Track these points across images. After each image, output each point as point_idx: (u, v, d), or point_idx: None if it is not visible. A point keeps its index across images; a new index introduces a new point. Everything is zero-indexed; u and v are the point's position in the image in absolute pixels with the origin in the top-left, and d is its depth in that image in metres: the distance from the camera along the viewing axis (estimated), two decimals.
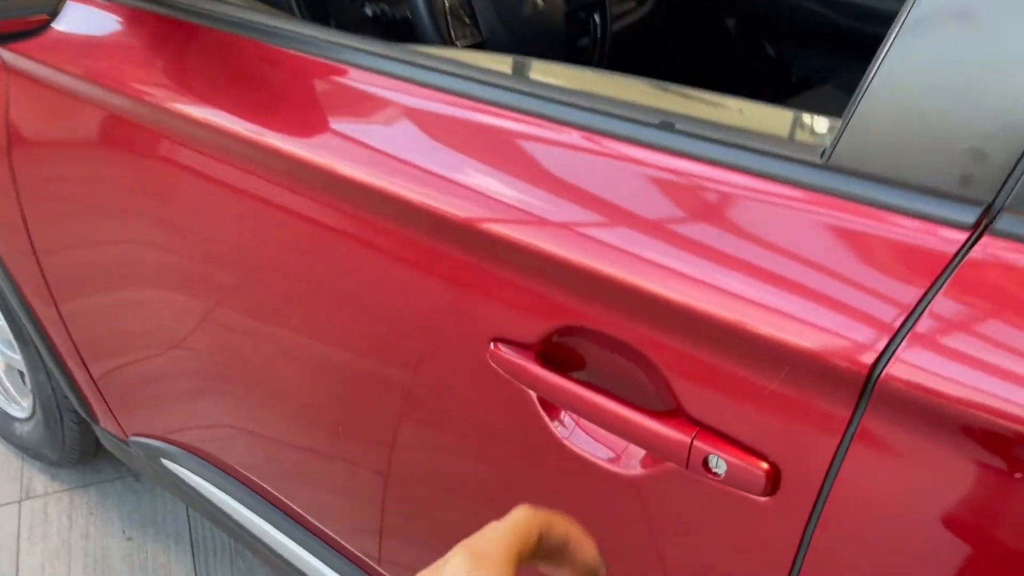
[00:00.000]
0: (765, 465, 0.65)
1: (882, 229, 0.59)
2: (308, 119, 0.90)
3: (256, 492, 1.33)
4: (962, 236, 0.56)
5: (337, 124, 0.87)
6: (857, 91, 0.60)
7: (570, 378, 0.75)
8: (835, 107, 0.69)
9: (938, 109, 0.56)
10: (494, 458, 0.89)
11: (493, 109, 0.78)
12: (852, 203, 0.60)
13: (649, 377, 0.71)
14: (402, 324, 0.89)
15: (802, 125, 0.63)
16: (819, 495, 0.63)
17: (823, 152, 0.62)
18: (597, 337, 0.72)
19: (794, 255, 0.61)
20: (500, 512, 0.41)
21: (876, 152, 0.59)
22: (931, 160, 0.57)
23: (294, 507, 1.28)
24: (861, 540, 0.63)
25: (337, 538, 1.23)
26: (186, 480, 1.43)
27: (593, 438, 0.76)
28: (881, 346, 0.57)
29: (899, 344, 0.56)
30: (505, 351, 0.78)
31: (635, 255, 0.67)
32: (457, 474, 0.96)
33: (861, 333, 0.58)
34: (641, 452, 0.73)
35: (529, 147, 0.76)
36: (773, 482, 0.65)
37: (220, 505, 1.38)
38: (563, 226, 0.71)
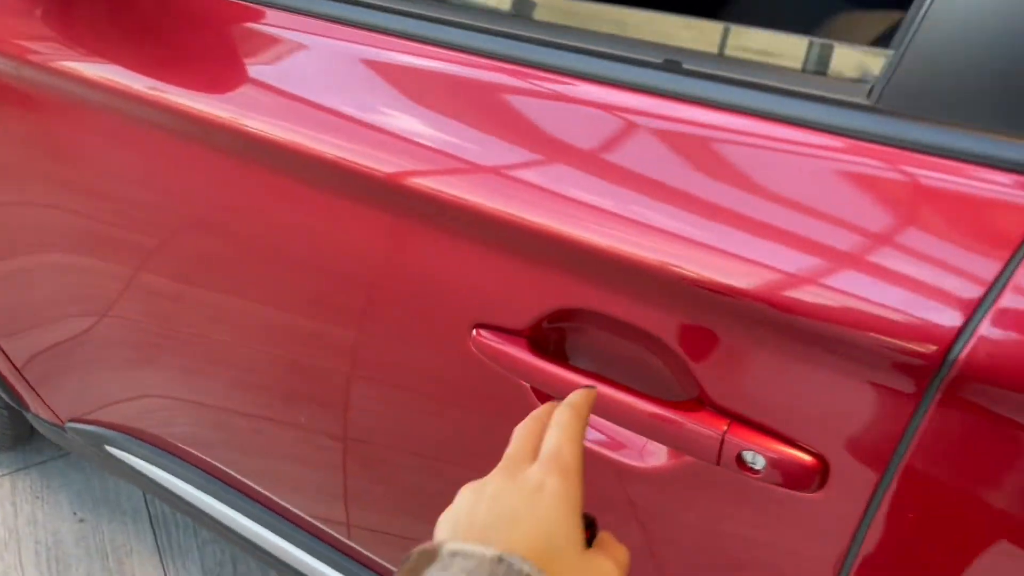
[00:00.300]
0: (810, 458, 0.56)
1: (950, 183, 0.48)
2: (218, 71, 0.75)
3: (210, 473, 1.23)
4: None
5: (254, 75, 0.73)
6: (914, 7, 0.48)
7: (570, 367, 0.65)
8: (859, 33, 0.58)
9: None
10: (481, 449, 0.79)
11: (455, 55, 0.65)
12: (910, 152, 0.50)
13: (667, 364, 0.61)
14: (345, 286, 0.78)
15: (839, 57, 0.52)
16: (876, 490, 0.55)
17: (870, 90, 0.51)
18: (600, 320, 0.62)
19: (842, 220, 0.51)
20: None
21: (941, 87, 0.48)
22: (1015, 95, 0.46)
23: (253, 485, 1.18)
24: (921, 539, 0.55)
25: (300, 512, 1.14)
26: (135, 467, 1.31)
27: (603, 432, 0.66)
28: (958, 324, 0.47)
29: (979, 321, 0.47)
30: (489, 338, 0.67)
31: (643, 224, 0.56)
32: (432, 445, 0.87)
33: (934, 310, 0.48)
34: (661, 448, 0.64)
35: (499, 99, 0.63)
36: (821, 477, 0.56)
37: (175, 490, 1.27)
38: (552, 194, 0.59)
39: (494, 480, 0.45)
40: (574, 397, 0.51)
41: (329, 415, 0.94)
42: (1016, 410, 0.48)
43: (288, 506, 1.14)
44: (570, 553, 0.42)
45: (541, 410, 0.51)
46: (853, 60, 0.52)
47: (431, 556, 0.40)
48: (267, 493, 1.16)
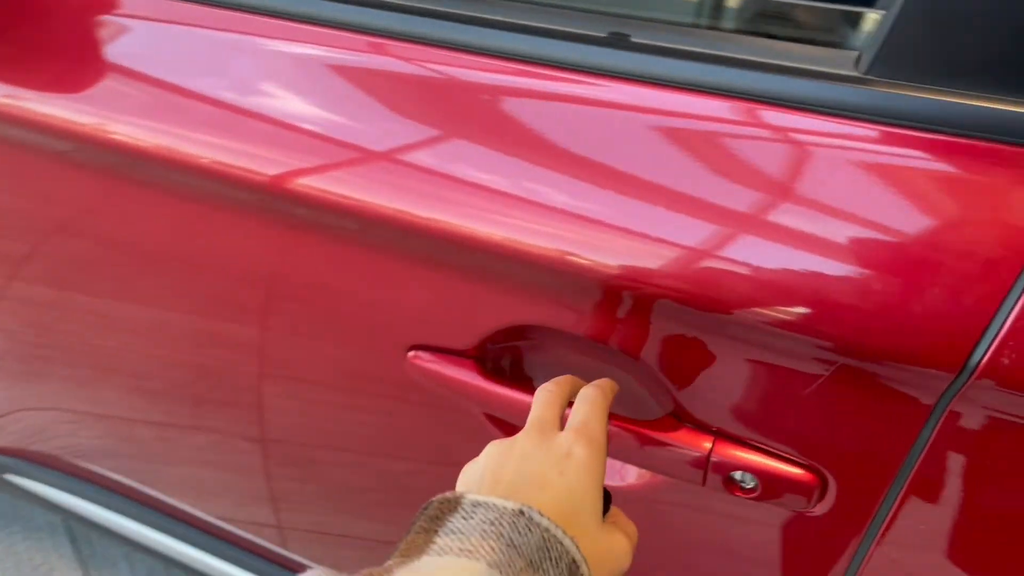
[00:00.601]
0: (806, 474, 0.50)
1: (954, 162, 0.41)
2: (71, 68, 0.62)
3: (122, 492, 1.12)
4: None
5: (113, 71, 0.61)
6: None
7: (522, 387, 0.57)
8: None
9: None
10: (432, 476, 0.71)
11: (366, 38, 0.54)
12: (906, 129, 0.42)
13: (638, 380, 0.53)
14: (243, 290, 0.69)
15: (817, 18, 0.44)
16: (880, 504, 0.49)
17: (858, 59, 0.43)
18: (556, 336, 0.54)
19: (834, 209, 0.43)
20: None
21: (938, 51, 0.41)
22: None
23: (174, 503, 1.08)
24: (930, 552, 0.50)
25: (227, 523, 1.06)
26: (42, 494, 1.19)
27: None
28: (978, 330, 0.41)
29: (1002, 326, 0.41)
30: (429, 360, 0.58)
31: (601, 224, 0.47)
32: (362, 443, 0.80)
33: (949, 313, 0.41)
34: (634, 471, 0.57)
35: (414, 90, 0.53)
36: (819, 494, 0.51)
37: (90, 516, 1.16)
38: (484, 197, 0.50)
39: (523, 441, 0.45)
40: (600, 380, 0.50)
41: (246, 417, 0.86)
42: None
43: (213, 520, 1.06)
44: (591, 522, 0.42)
45: (563, 380, 0.50)
46: (836, 23, 0.44)
47: (453, 505, 0.40)
48: (187, 507, 1.08)
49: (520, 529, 0.38)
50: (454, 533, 0.38)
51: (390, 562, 0.38)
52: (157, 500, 1.10)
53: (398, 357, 0.60)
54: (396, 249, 0.55)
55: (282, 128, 0.55)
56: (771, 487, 0.51)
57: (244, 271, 0.67)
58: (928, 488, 0.48)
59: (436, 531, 0.39)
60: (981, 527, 0.48)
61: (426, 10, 0.53)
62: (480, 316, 0.55)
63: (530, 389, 0.57)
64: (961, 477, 0.47)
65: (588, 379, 0.55)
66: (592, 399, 0.47)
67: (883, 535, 0.51)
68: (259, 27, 0.57)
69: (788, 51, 0.45)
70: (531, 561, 0.37)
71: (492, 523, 0.38)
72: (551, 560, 0.38)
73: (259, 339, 0.74)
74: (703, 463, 0.52)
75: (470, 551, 0.37)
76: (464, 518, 0.39)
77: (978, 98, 0.41)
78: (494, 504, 0.39)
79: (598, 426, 0.46)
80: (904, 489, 0.48)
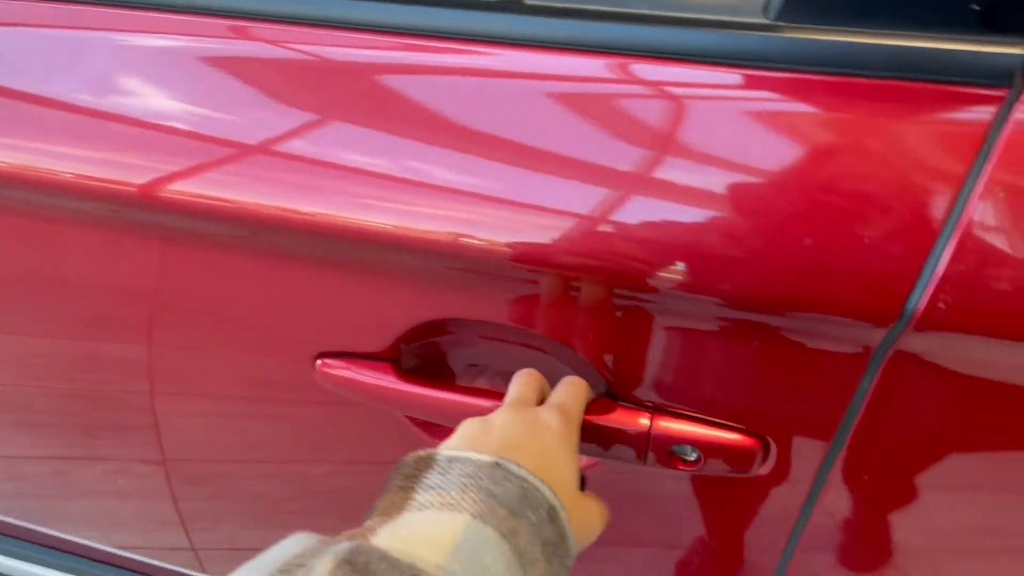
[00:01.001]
0: (746, 439, 0.49)
1: (875, 109, 0.40)
2: None
3: (19, 537, 1.04)
4: (999, 95, 0.38)
5: None
6: None
7: (447, 387, 0.53)
8: None
9: None
10: (360, 477, 0.67)
11: (226, 22, 0.48)
12: (823, 76, 0.40)
13: (569, 364, 0.51)
14: (133, 308, 0.63)
15: None
16: (823, 462, 0.48)
17: (765, 4, 0.41)
18: (470, 327, 0.50)
19: (743, 166, 0.41)
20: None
21: None
22: None
23: (77, 540, 1.01)
24: (873, 510, 0.50)
25: (134, 552, 0.99)
26: None
27: None
28: (912, 274, 0.40)
29: (935, 269, 0.40)
30: (340, 368, 0.54)
31: (490, 199, 0.44)
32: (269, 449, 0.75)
33: (880, 262, 0.40)
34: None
35: (288, 74, 0.48)
36: (762, 458, 0.49)
37: None
38: (378, 182, 0.45)
39: (501, 414, 0.45)
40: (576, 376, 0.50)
41: (142, 439, 0.80)
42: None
43: (120, 552, 0.99)
44: (567, 483, 0.43)
45: (534, 371, 0.50)
46: None
47: (428, 462, 0.40)
48: (91, 542, 1.00)
49: (498, 479, 0.38)
50: (433, 488, 0.38)
51: (370, 522, 0.37)
52: (57, 539, 1.03)
53: (305, 367, 0.55)
54: (285, 250, 0.50)
55: (143, 129, 0.49)
56: (713, 457, 0.49)
57: (123, 289, 0.61)
58: (869, 443, 0.47)
59: (414, 488, 0.38)
60: (925, 481, 0.48)
61: None
62: (389, 315, 0.51)
63: (453, 387, 0.53)
64: (902, 429, 0.46)
65: (517, 367, 0.52)
66: (573, 383, 0.48)
67: (826, 494, 0.50)
68: (107, 21, 0.51)
69: (694, 2, 0.43)
70: (511, 510, 0.37)
71: (470, 476, 0.38)
72: (531, 507, 0.38)
73: (147, 358, 0.68)
74: (643, 440, 0.50)
75: (452, 504, 0.37)
76: (441, 473, 0.39)
77: (891, 36, 0.39)
78: (469, 458, 0.39)
79: (575, 406, 0.47)
80: (846, 446, 0.47)
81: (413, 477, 0.39)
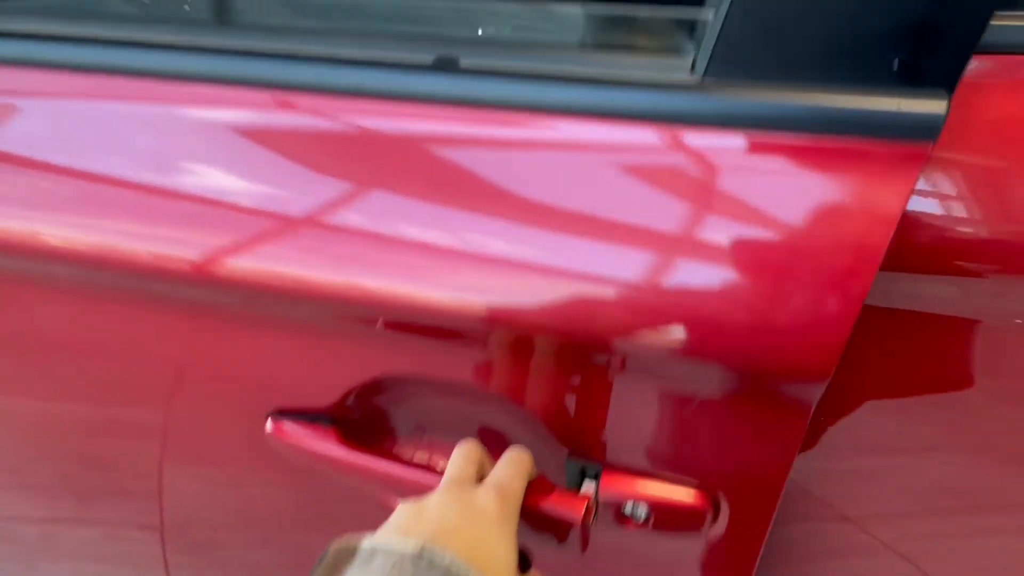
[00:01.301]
0: (698, 497, 0.48)
1: (809, 163, 0.40)
2: None
3: None
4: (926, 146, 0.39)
5: None
6: None
7: (386, 456, 0.52)
8: None
9: None
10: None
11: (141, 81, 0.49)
12: (752, 132, 0.40)
13: (521, 425, 0.50)
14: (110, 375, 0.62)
15: (658, 29, 0.42)
16: (774, 516, 0.47)
17: (692, 63, 0.41)
18: (413, 387, 0.50)
19: (676, 225, 0.41)
20: None
21: (773, 45, 0.39)
22: (866, 41, 0.38)
23: None
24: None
25: None
26: None
27: None
28: (843, 336, 0.40)
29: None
30: (292, 428, 0.54)
31: (438, 253, 0.44)
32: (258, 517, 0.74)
33: (813, 321, 0.40)
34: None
35: (230, 137, 0.48)
36: (712, 516, 0.48)
37: None
38: (315, 232, 0.46)
39: (436, 497, 0.44)
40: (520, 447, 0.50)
41: (132, 505, 0.79)
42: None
43: None
44: (504, 568, 0.41)
45: (475, 443, 0.49)
46: (671, 30, 0.42)
47: (349, 553, 0.38)
48: None
49: (421, 570, 0.37)
50: None
51: None
52: None
53: (260, 428, 0.55)
54: (233, 310, 0.50)
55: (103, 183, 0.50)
56: (663, 515, 0.48)
57: (122, 355, 0.60)
58: (811, 496, 0.46)
59: None
60: (873, 528, 0.47)
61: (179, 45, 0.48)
62: (329, 376, 0.51)
63: (391, 454, 0.53)
64: (842, 480, 0.46)
65: (463, 428, 0.52)
66: (516, 460, 0.47)
67: (776, 549, 0.49)
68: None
69: (624, 62, 0.43)
70: None
71: (393, 566, 0.37)
72: None
73: (147, 421, 0.67)
74: (588, 500, 0.49)
75: None
76: (362, 565, 0.38)
77: (814, 91, 0.39)
78: (392, 548, 0.38)
79: (516, 484, 0.46)
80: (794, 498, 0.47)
81: (335, 569, 0.38)
